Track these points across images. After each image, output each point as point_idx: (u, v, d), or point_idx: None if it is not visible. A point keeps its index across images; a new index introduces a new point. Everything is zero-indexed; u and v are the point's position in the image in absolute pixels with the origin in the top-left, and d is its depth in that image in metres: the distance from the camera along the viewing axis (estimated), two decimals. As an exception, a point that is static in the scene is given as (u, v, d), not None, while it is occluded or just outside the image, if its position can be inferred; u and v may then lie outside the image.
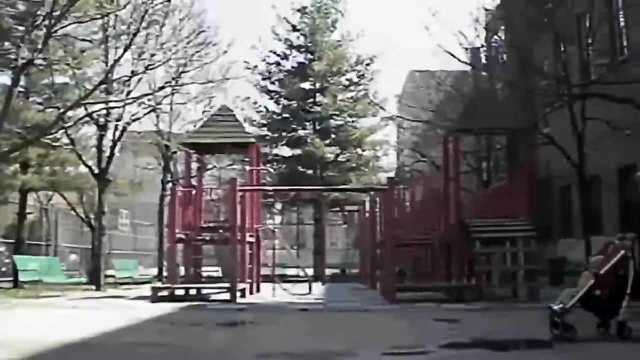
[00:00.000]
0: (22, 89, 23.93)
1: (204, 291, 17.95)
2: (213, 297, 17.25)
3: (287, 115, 35.67)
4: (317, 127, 35.34)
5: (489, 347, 7.94)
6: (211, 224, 18.85)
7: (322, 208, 33.26)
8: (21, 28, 20.15)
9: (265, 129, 35.62)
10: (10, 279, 21.76)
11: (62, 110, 20.23)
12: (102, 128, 22.46)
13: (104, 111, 21.79)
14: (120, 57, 20.92)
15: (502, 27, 25.63)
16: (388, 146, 38.02)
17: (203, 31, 24.28)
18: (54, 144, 23.62)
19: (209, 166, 29.17)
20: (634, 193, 20.27)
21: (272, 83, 36.08)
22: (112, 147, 22.59)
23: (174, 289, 17.05)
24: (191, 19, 25.02)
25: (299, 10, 36.25)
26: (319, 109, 35.28)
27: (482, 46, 25.87)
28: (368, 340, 8.98)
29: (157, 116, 29.17)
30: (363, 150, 36.28)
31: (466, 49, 24.02)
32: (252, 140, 20.64)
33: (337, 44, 36.12)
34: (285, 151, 36.32)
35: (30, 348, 7.75)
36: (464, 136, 20.13)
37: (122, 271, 25.60)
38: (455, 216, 16.93)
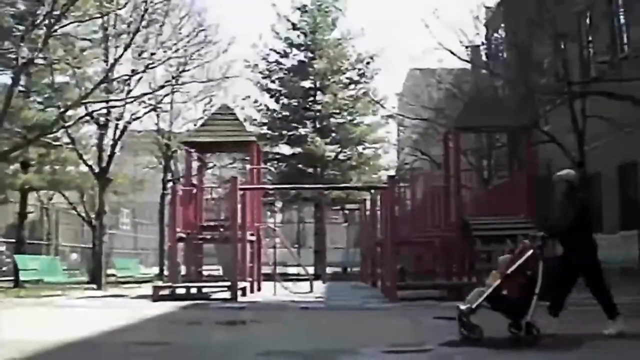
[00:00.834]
0: (23, 89, 23.94)
1: (205, 290, 17.96)
2: (214, 295, 17.25)
3: (287, 113, 35.68)
4: (318, 126, 35.35)
5: (490, 345, 7.94)
6: (212, 223, 18.85)
7: (322, 206, 33.28)
8: (21, 27, 20.18)
9: (265, 127, 35.63)
10: (11, 278, 21.78)
11: (62, 110, 20.25)
12: (103, 127, 22.47)
13: (105, 110, 21.81)
14: (120, 56, 20.94)
15: (503, 25, 25.64)
16: (388, 144, 38.05)
17: (203, 30, 24.33)
18: (54, 143, 23.67)
19: (210, 165, 29.18)
20: (635, 190, 20.30)
21: (273, 81, 36.09)
22: (113, 146, 22.60)
23: (175, 287, 17.06)
24: (191, 17, 25.10)
25: (299, 9, 36.26)
26: (319, 107, 35.29)
27: (483, 44, 25.87)
28: (369, 338, 8.98)
29: (158, 115, 29.20)
30: (364, 149, 36.30)
31: (466, 46, 24.02)
32: (253, 138, 20.63)
33: (338, 43, 36.13)
34: (286, 150, 36.37)
35: (31, 347, 7.76)
36: (465, 134, 20.12)
37: (123, 270, 25.63)
38: (456, 214, 16.92)
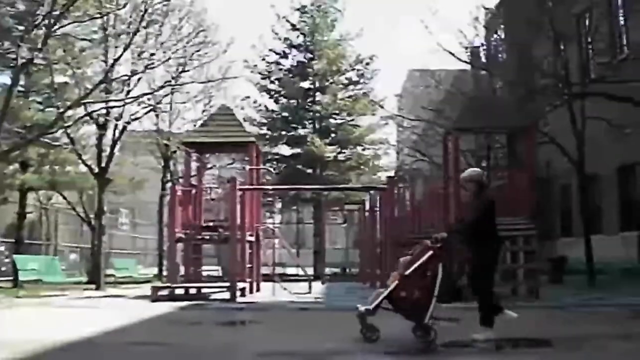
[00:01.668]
0: (22, 89, 23.96)
1: (204, 290, 17.94)
2: (213, 296, 17.24)
3: (286, 114, 35.69)
4: (317, 126, 35.36)
5: (490, 346, 7.94)
6: (211, 223, 18.83)
7: (322, 207, 33.27)
8: (21, 27, 20.19)
9: (265, 128, 35.65)
10: (10, 278, 21.77)
11: (61, 110, 20.23)
12: (102, 127, 22.45)
13: (104, 110, 21.79)
14: (119, 57, 20.91)
15: (502, 26, 25.64)
16: (388, 145, 38.04)
17: (203, 30, 24.32)
18: (53, 143, 23.67)
19: (209, 165, 29.18)
20: (634, 191, 20.31)
21: (272, 82, 36.10)
22: (112, 147, 22.58)
23: (174, 288, 17.05)
24: (191, 18, 25.08)
25: (298, 10, 36.28)
26: (318, 108, 35.30)
27: (482, 45, 25.87)
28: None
29: (157, 115, 29.19)
30: (363, 149, 36.31)
31: (466, 47, 24.02)
32: (252, 139, 20.62)
33: (337, 43, 36.14)
34: (285, 150, 36.38)
35: (31, 347, 7.75)
36: (464, 135, 20.12)
37: (122, 270, 25.63)
38: (455, 215, 16.90)
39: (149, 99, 23.54)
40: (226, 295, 16.33)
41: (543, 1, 20.44)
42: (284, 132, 35.63)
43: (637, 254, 19.19)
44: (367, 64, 36.11)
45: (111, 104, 21.60)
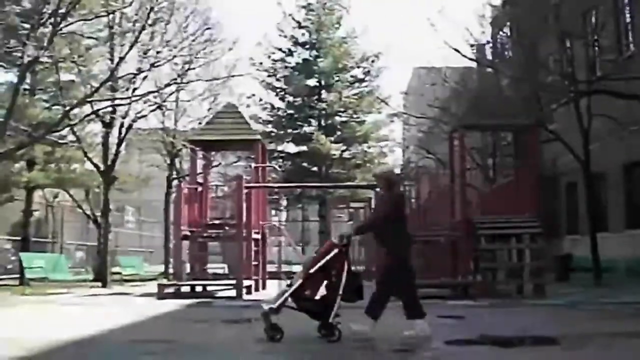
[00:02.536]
0: (28, 87, 23.99)
1: (210, 288, 17.97)
2: (219, 294, 17.26)
3: (292, 112, 35.71)
4: (323, 124, 35.36)
5: (495, 344, 7.93)
6: (217, 221, 18.86)
7: (327, 205, 33.28)
8: (27, 26, 20.18)
9: (270, 125, 35.68)
10: (17, 276, 21.82)
11: (68, 108, 20.26)
12: (108, 125, 22.48)
13: (110, 109, 21.81)
14: (125, 55, 20.93)
15: (508, 23, 25.57)
16: (393, 143, 38.04)
17: (208, 28, 24.34)
18: (60, 141, 23.70)
19: (215, 163, 29.20)
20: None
21: (278, 80, 36.13)
22: (118, 145, 22.62)
23: (180, 286, 17.08)
24: (197, 16, 25.10)
25: (304, 7, 36.29)
26: (324, 105, 35.31)
27: (488, 42, 25.81)
28: (374, 337, 8.98)
29: (163, 113, 29.21)
30: (368, 147, 36.31)
31: (472, 45, 23.96)
32: (258, 137, 20.64)
33: (342, 41, 36.13)
34: (291, 148, 36.42)
35: (38, 345, 7.78)
36: (470, 133, 20.10)
37: (128, 268, 25.64)
38: (461, 213, 16.91)
39: (155, 97, 23.54)
40: (232, 293, 16.35)
41: (549, -2, 20.41)
42: (289, 130, 35.65)
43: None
44: (373, 61, 36.13)
45: (117, 102, 21.61)
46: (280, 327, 8.00)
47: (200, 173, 21.77)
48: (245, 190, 17.39)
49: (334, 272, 8.17)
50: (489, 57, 25.70)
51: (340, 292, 8.07)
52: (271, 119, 35.82)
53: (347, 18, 37.19)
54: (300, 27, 36.27)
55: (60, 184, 25.94)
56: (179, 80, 23.68)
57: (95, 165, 22.52)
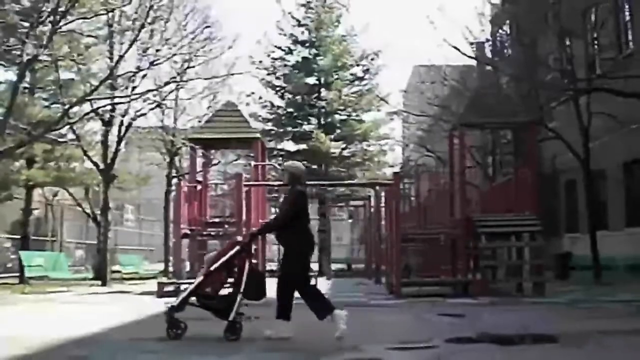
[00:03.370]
0: (28, 85, 24.00)
1: (210, 286, 17.94)
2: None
3: (292, 110, 35.68)
4: (322, 122, 35.34)
5: (495, 342, 7.93)
6: (217, 219, 18.86)
7: (327, 203, 33.27)
8: (26, 24, 20.18)
9: (270, 124, 35.63)
10: (17, 274, 21.83)
11: (67, 106, 20.27)
12: (108, 124, 22.50)
13: (109, 107, 21.84)
14: (125, 53, 20.96)
15: (508, 21, 25.57)
16: (393, 141, 38.02)
17: (208, 27, 24.34)
18: (59, 139, 23.71)
19: (215, 161, 29.20)
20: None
21: (277, 78, 36.06)
22: (118, 143, 22.64)
23: (180, 284, 17.07)
24: (196, 14, 25.10)
25: (303, 5, 36.20)
26: (323, 103, 35.27)
27: (488, 40, 25.81)
28: (373, 335, 8.99)
29: (162, 112, 29.23)
30: (368, 145, 36.29)
31: (471, 43, 23.96)
32: (257, 135, 20.64)
33: (342, 39, 36.08)
34: (290, 146, 36.34)
35: (37, 343, 7.78)
36: (470, 131, 20.10)
37: (128, 267, 25.66)
38: (461, 211, 16.92)
39: (154, 95, 23.59)
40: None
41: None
42: (289, 128, 35.61)
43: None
44: (372, 59, 36.06)
45: (117, 100, 21.64)
46: (180, 324, 8.09)
47: (200, 171, 21.77)
48: (244, 189, 17.38)
49: (236, 269, 8.22)
50: (489, 55, 25.70)
51: (241, 290, 8.12)
52: (271, 117, 35.76)
53: (346, 16, 37.15)
54: (299, 25, 36.22)
55: (59, 182, 25.95)
56: (178, 79, 23.70)
57: (95, 164, 22.53)
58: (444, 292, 15.78)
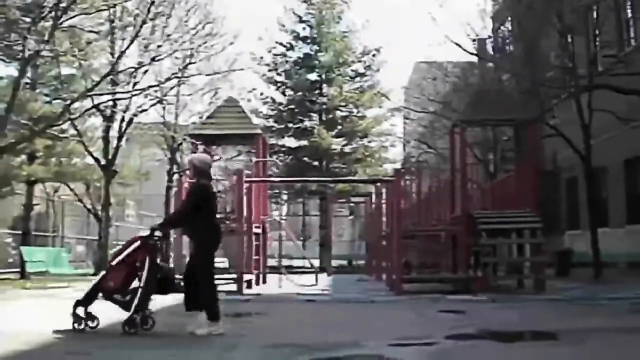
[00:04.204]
0: (29, 81, 23.99)
1: (211, 282, 17.93)
2: (219, 288, 17.22)
3: (293, 106, 35.69)
4: (323, 118, 35.35)
5: (495, 338, 7.94)
6: (217, 215, 18.82)
7: (328, 199, 33.30)
8: (28, 20, 20.18)
9: (271, 120, 35.67)
10: (18, 269, 21.85)
11: (68, 102, 20.30)
12: (109, 119, 22.53)
13: (111, 103, 21.86)
14: (126, 49, 20.99)
15: (509, 18, 25.55)
16: (394, 137, 38.03)
17: (209, 22, 24.34)
18: (60, 135, 23.71)
19: (216, 157, 29.20)
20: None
21: (279, 74, 36.10)
22: (119, 139, 22.66)
23: (180, 280, 17.05)
24: (197, 10, 25.08)
25: (305, 2, 36.23)
26: (325, 100, 35.29)
27: (489, 37, 25.79)
28: (374, 331, 9.00)
29: (164, 107, 29.26)
30: (369, 142, 36.31)
31: (473, 39, 23.95)
32: (258, 131, 20.65)
33: (343, 35, 36.11)
34: (292, 142, 36.38)
35: (38, 339, 7.79)
36: (471, 127, 20.10)
37: (129, 262, 25.61)
38: (462, 208, 16.91)
39: (155, 91, 23.60)
40: (232, 287, 16.35)
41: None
42: (290, 124, 35.65)
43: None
44: (374, 55, 36.12)
45: (118, 96, 21.66)
46: (84, 318, 8.19)
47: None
48: (245, 185, 17.38)
49: (138, 264, 8.32)
50: (490, 51, 25.69)
51: (142, 284, 8.21)
52: (272, 113, 35.80)
53: (347, 12, 37.21)
54: (301, 21, 36.26)
55: (60, 177, 25.97)
56: (179, 75, 23.72)
57: (96, 159, 22.56)
58: (444, 289, 15.78)
